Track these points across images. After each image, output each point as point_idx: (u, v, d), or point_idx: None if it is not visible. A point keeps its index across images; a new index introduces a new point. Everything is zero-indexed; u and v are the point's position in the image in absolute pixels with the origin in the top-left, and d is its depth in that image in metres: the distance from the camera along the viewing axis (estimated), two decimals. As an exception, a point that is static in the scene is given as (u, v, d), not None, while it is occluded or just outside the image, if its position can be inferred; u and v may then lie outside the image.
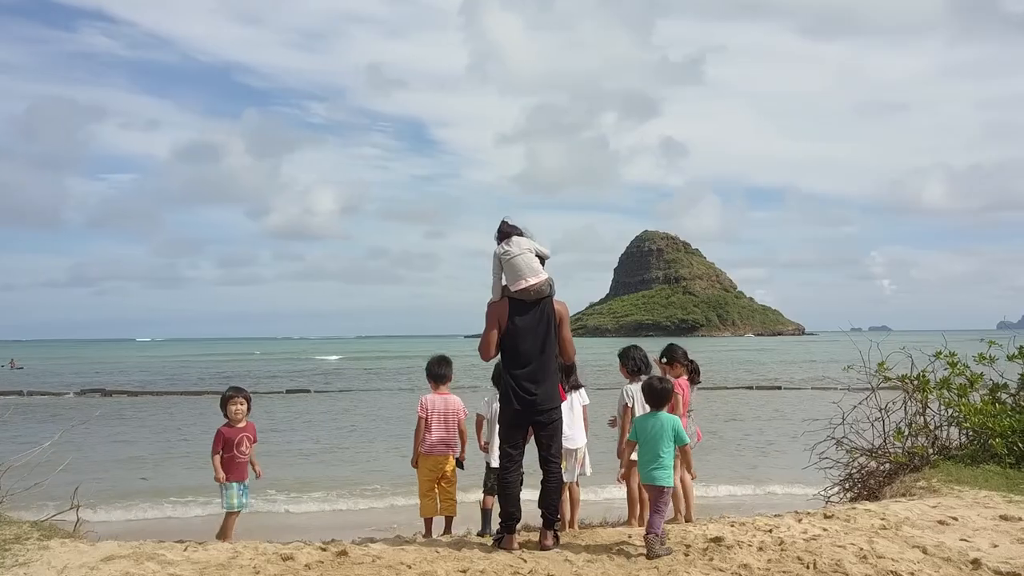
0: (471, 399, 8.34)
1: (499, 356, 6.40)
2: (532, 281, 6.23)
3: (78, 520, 7.41)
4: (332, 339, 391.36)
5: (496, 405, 6.89)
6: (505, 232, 6.48)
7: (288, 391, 42.88)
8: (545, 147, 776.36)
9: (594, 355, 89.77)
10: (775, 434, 23.11)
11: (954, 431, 9.21)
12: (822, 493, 9.64)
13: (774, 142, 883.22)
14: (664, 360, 7.78)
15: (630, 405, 7.54)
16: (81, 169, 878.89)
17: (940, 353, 9.44)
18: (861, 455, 9.34)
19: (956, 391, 9.08)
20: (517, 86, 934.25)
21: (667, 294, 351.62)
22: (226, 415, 7.65)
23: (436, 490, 7.54)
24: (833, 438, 9.52)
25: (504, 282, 6.38)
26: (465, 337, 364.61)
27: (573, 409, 7.46)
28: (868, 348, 9.58)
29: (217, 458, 7.51)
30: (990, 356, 9.40)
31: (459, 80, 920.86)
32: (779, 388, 41.26)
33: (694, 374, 7.73)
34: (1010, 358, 9.45)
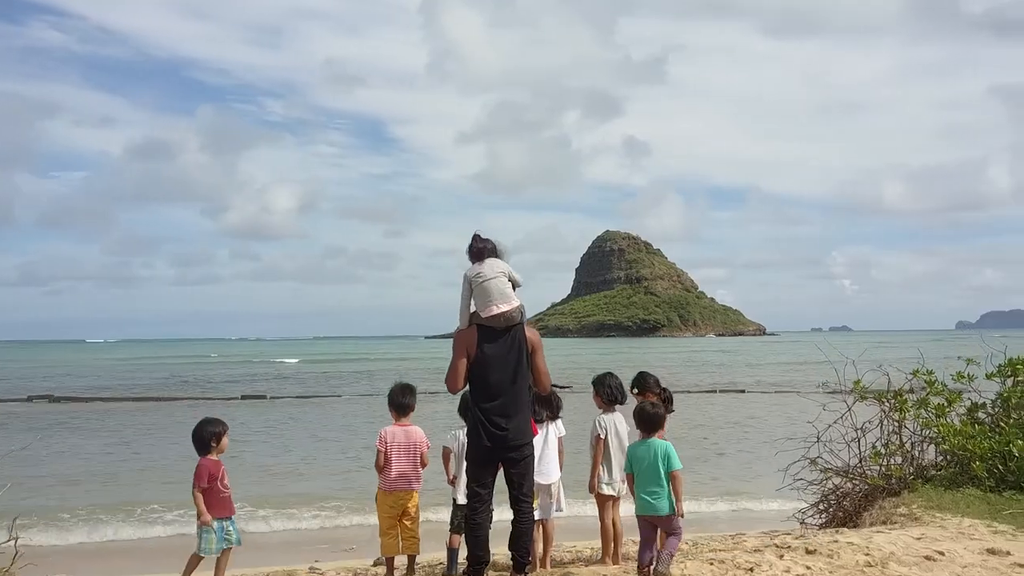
0: (437, 431, 8.01)
1: (467, 387, 6.00)
2: (503, 308, 5.82)
3: (16, 553, 6.97)
4: (290, 340, 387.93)
5: (464, 437, 6.57)
6: (477, 251, 6.07)
7: (243, 397, 42.16)
8: (506, 146, 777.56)
9: (557, 356, 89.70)
10: (744, 443, 23.01)
11: (931, 448, 9.07)
12: (797, 515, 9.45)
13: (736, 142, 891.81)
14: (635, 390, 7.48)
15: (603, 437, 7.21)
16: (32, 166, 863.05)
17: (917, 371, 9.29)
18: (835, 475, 9.16)
19: (934, 411, 8.92)
20: (477, 84, 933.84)
21: (629, 294, 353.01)
22: (208, 448, 6.88)
23: (398, 528, 7.02)
24: (808, 458, 9.32)
25: (473, 307, 5.99)
26: (426, 338, 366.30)
27: (547, 441, 7.10)
28: (844, 365, 9.38)
29: (200, 496, 6.74)
30: (968, 375, 9.26)
31: (418, 77, 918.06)
32: (743, 392, 41.33)
33: (667, 403, 7.44)
34: (988, 376, 9.32)
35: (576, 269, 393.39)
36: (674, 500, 6.09)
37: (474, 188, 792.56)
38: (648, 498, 6.11)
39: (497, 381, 5.81)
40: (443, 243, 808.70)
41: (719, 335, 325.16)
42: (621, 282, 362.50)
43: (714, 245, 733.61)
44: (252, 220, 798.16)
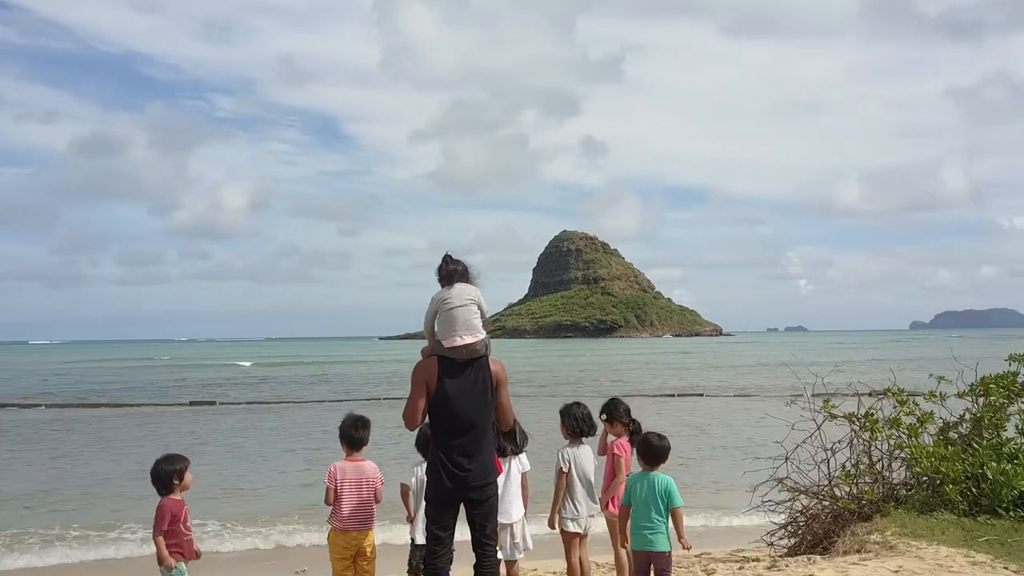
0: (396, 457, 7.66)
1: (426, 422, 5.65)
2: (468, 339, 5.46)
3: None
4: (241, 341, 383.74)
5: (423, 473, 6.24)
6: (447, 273, 5.68)
7: (192, 403, 41.38)
8: (462, 144, 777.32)
9: (514, 359, 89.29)
10: (706, 451, 22.85)
11: (901, 469, 8.94)
12: (765, 538, 9.27)
13: (694, 142, 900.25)
14: (604, 417, 7.23)
15: (566, 471, 6.93)
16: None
17: (889, 390, 9.15)
18: (802, 495, 8.99)
19: (906, 431, 8.78)
20: (433, 81, 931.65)
21: (586, 295, 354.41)
22: (171, 488, 6.38)
23: (352, 570, 6.60)
24: (776, 479, 9.14)
25: (436, 334, 5.64)
26: (380, 339, 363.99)
27: (510, 477, 6.76)
28: (813, 384, 9.23)
29: (161, 540, 6.26)
30: (940, 393, 9.14)
31: (372, 75, 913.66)
32: (701, 395, 41.38)
33: (634, 435, 7.16)
34: (960, 395, 9.20)
35: (533, 269, 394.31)
36: (675, 537, 6.00)
37: (430, 187, 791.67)
38: (645, 533, 5.99)
39: (459, 418, 5.45)
40: (398, 242, 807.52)
41: (676, 335, 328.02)
42: (578, 282, 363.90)
43: (671, 245, 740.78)
44: (202, 218, 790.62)
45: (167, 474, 6.37)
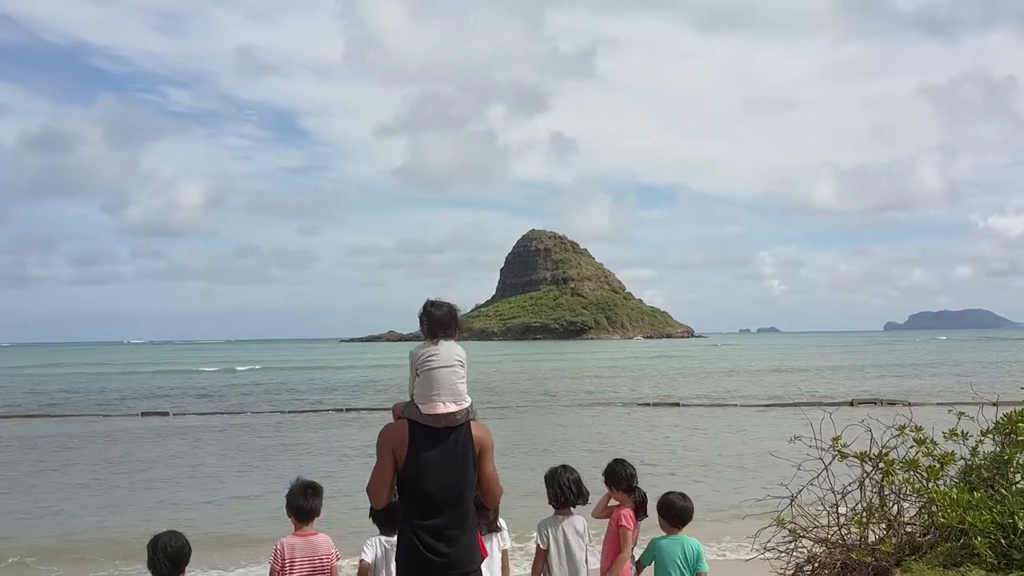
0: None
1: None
2: (450, 408, 4.68)
3: None
4: (198, 344, 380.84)
5: (387, 546, 5.54)
6: (436, 322, 4.88)
7: (144, 414, 40.30)
8: (429, 140, 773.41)
9: (482, 364, 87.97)
10: (690, 468, 22.23)
11: (919, 512, 8.31)
12: (766, 587, 8.62)
13: (665, 139, 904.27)
14: (606, 483, 6.46)
15: (544, 548, 6.13)
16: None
17: (904, 428, 8.51)
18: (812, 542, 8.33)
19: (925, 473, 8.14)
20: (399, 75, 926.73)
21: (555, 296, 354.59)
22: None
23: None
24: (779, 523, 8.48)
25: (414, 396, 4.82)
26: (342, 341, 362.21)
27: (492, 556, 5.92)
28: (821, 420, 8.58)
29: None
30: (962, 432, 8.51)
31: (336, 68, 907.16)
32: (677, 405, 40.87)
33: (640, 507, 6.40)
34: (984, 433, 8.59)
35: (501, 270, 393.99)
36: None
37: (395, 183, 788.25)
38: None
39: (434, 495, 4.63)
40: (362, 241, 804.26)
41: (647, 337, 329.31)
42: (547, 283, 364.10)
43: (642, 245, 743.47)
44: (156, 216, 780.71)
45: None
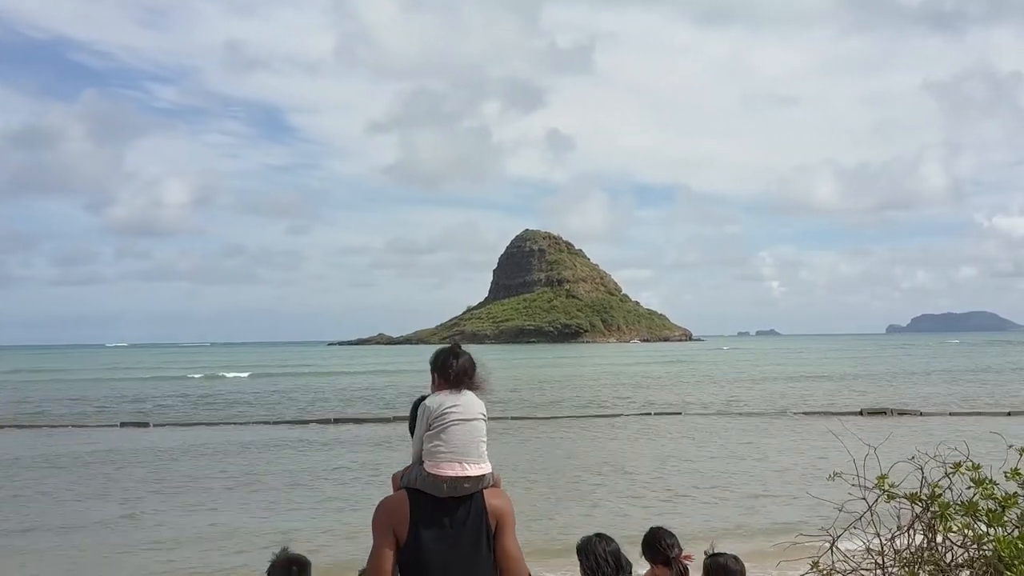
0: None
1: None
2: (469, 471, 4.01)
3: None
4: (183, 347, 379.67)
5: None
6: (459, 373, 4.23)
7: (123, 424, 39.49)
8: (421, 137, 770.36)
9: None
10: (700, 490, 21.55)
11: (967, 553, 7.62)
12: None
13: (663, 136, 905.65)
14: (642, 555, 5.76)
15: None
16: None
17: (959, 465, 7.82)
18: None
19: (985, 517, 7.45)
20: (391, 70, 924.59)
21: (549, 297, 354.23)
22: None
23: None
24: (815, 567, 7.80)
25: (423, 455, 4.11)
26: (328, 344, 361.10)
27: None
28: (864, 454, 7.89)
29: None
30: (1025, 471, 7.81)
31: (324, 63, 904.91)
32: (679, 414, 40.25)
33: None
34: (1049, 472, 7.89)
35: (494, 270, 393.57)
36: None
37: (386, 181, 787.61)
38: None
39: None
40: (352, 240, 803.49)
41: (644, 340, 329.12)
42: (541, 284, 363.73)
43: (638, 245, 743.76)
44: (141, 215, 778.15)
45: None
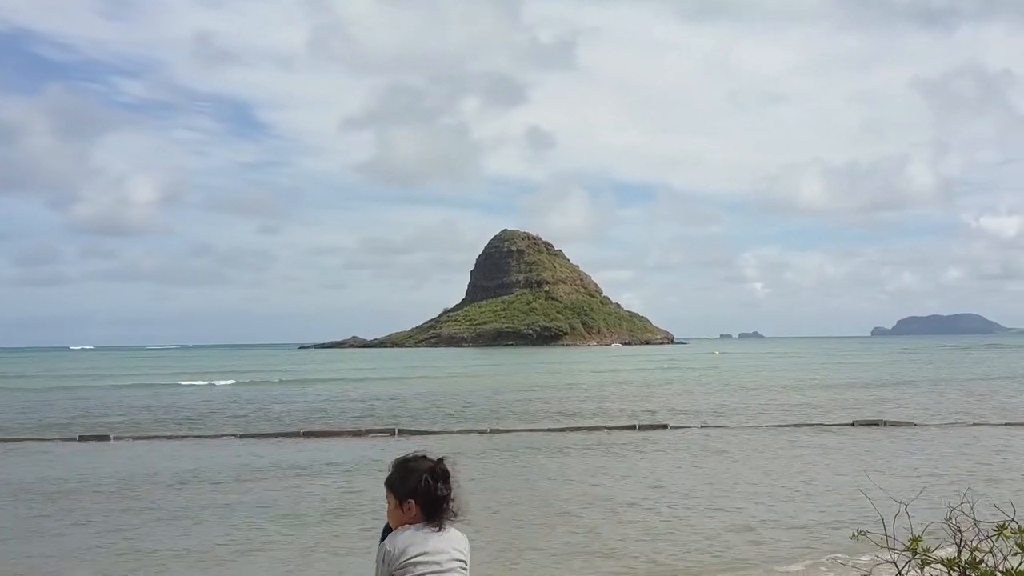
0: None
1: None
2: None
3: None
4: (148, 351, 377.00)
5: None
6: (431, 501, 3.44)
7: (82, 438, 38.40)
8: (398, 133, 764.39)
9: (451, 373, 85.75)
10: (689, 521, 20.87)
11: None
12: None
13: (647, 134, 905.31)
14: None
15: None
16: None
17: (1003, 528, 7.14)
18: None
19: (1033, 589, 6.78)
20: (366, 65, 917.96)
21: (528, 299, 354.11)
22: None
23: None
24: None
25: None
26: (300, 348, 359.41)
27: None
28: (895, 512, 7.23)
29: None
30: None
31: (297, 57, 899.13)
32: (665, 427, 39.57)
33: None
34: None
35: (471, 272, 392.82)
36: None
37: (360, 179, 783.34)
38: None
39: None
40: (325, 240, 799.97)
41: (625, 343, 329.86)
42: (520, 286, 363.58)
43: (620, 246, 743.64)
44: (106, 213, 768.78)
45: None
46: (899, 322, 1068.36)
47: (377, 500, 14.43)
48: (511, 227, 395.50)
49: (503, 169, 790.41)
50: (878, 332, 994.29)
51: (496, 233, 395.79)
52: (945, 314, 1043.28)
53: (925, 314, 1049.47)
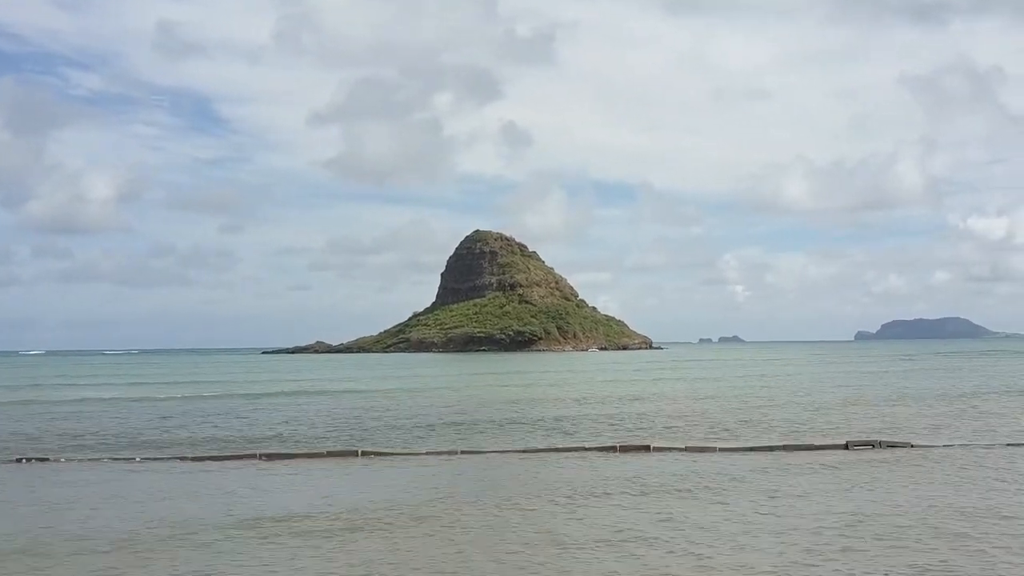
0: None
1: None
2: None
3: None
4: (105, 355, 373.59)
5: None
6: None
7: (22, 459, 36.98)
8: (368, 129, 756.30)
9: (421, 379, 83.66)
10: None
11: None
12: None
13: (627, 131, 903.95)
14: None
15: None
16: None
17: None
18: None
19: None
20: (335, 57, 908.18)
21: (501, 303, 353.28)
22: None
23: None
24: None
25: None
26: (263, 352, 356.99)
27: None
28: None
29: None
30: None
31: (264, 49, 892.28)
32: (648, 448, 38.56)
33: None
34: None
35: (442, 274, 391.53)
36: None
37: (328, 176, 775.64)
38: None
39: None
40: (290, 240, 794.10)
41: (602, 348, 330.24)
42: (493, 289, 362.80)
43: (597, 246, 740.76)
44: (61, 211, 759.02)
45: None
46: (883, 326, 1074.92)
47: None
48: (484, 227, 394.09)
49: (477, 167, 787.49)
50: (862, 336, 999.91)
51: (468, 233, 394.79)
52: (931, 318, 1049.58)
53: (910, 318, 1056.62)
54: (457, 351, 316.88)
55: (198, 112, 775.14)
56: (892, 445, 37.45)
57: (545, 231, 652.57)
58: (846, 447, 37.19)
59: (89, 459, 37.51)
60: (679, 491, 27.74)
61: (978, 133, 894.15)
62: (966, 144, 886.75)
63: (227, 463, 35.73)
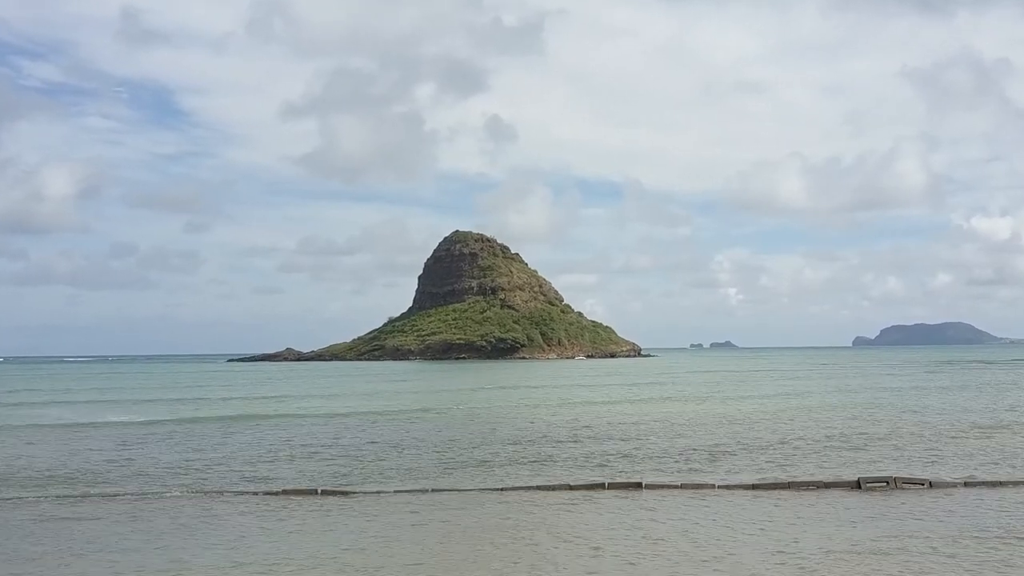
0: None
1: None
2: None
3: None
4: (62, 363, 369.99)
5: None
6: None
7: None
8: (343, 122, 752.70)
9: (396, 391, 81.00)
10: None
11: None
12: None
13: (615, 127, 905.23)
14: None
15: None
16: None
17: None
18: None
19: None
20: (311, 46, 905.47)
21: (482, 308, 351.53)
22: None
23: None
24: None
25: None
26: (228, 360, 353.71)
27: None
28: None
29: None
30: None
31: (231, 36, 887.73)
32: (639, 486, 36.57)
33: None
34: None
35: (419, 277, 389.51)
36: None
37: (301, 173, 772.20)
38: None
39: None
40: (258, 240, 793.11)
41: (589, 356, 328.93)
42: (473, 293, 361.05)
43: (582, 248, 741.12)
44: (13, 209, 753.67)
45: None
46: (882, 331, 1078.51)
47: None
48: (464, 227, 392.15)
49: (458, 164, 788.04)
50: (860, 342, 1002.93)
51: (447, 234, 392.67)
52: (932, 323, 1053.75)
53: (910, 323, 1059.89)
54: (435, 359, 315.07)
55: (159, 104, 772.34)
56: (908, 482, 35.54)
57: (527, 231, 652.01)
58: (859, 486, 35.25)
59: (58, 497, 35.28)
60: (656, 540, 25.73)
61: (983, 129, 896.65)
62: (970, 141, 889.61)
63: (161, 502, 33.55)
